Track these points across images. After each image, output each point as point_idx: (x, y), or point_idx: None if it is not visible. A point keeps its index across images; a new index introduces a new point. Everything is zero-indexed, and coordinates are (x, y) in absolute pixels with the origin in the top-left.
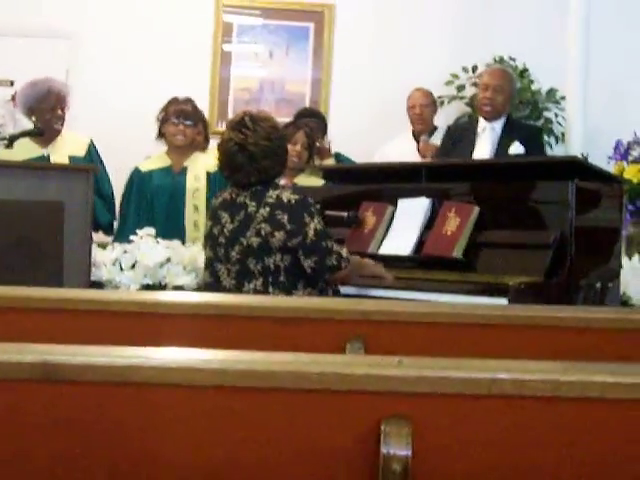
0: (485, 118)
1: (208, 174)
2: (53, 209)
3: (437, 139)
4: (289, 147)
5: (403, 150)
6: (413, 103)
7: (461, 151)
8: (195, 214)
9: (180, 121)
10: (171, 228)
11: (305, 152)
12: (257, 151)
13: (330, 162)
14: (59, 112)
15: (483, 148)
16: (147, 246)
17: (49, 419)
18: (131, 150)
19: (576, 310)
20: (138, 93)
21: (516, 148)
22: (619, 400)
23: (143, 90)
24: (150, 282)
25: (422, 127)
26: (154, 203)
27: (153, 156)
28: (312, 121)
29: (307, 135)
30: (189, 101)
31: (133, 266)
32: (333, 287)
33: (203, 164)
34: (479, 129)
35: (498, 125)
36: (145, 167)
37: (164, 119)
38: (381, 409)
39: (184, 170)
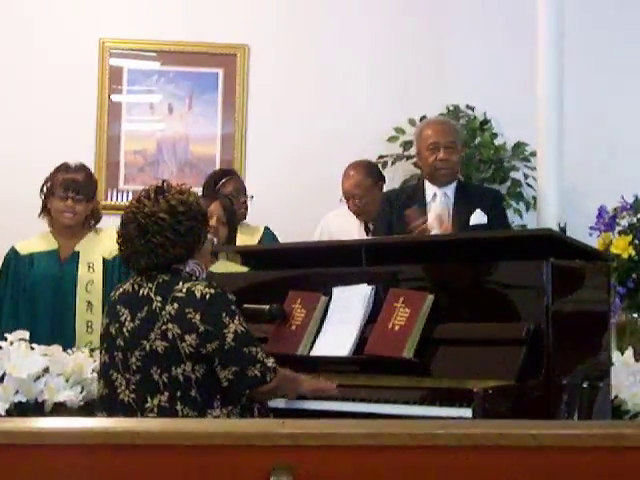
0: (437, 184)
1: (105, 261)
2: None
3: None
4: None
5: (350, 223)
6: (349, 190)
7: (407, 225)
8: (88, 313)
9: (69, 195)
10: (57, 330)
11: (223, 228)
12: (149, 224)
13: (252, 237)
14: None
15: (434, 221)
16: (19, 354)
17: None
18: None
19: (557, 425)
20: (6, 156)
21: (479, 218)
22: None
23: (13, 152)
24: (24, 399)
25: (366, 217)
26: (36, 297)
27: (35, 236)
28: (232, 180)
29: (224, 207)
30: (82, 169)
31: (1, 379)
32: (259, 404)
33: (98, 248)
34: (427, 196)
35: (450, 190)
36: (25, 249)
37: (49, 191)
38: None
39: (74, 256)
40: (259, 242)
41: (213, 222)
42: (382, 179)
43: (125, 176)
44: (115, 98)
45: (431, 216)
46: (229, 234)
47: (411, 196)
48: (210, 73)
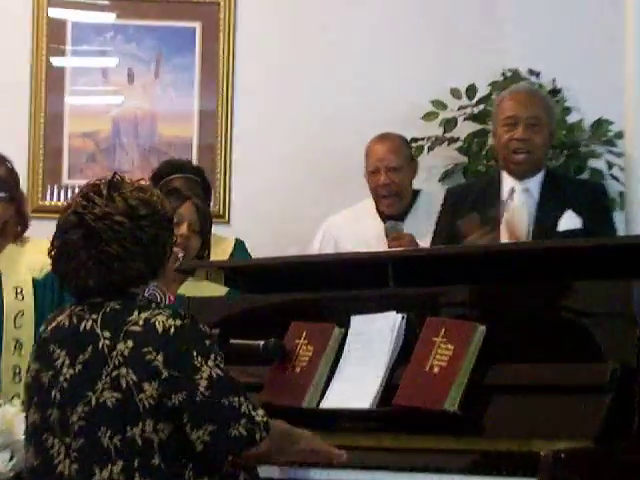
0: (515, 175)
1: (34, 282)
2: None
3: (421, 218)
4: None
5: (368, 230)
6: (375, 165)
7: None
8: (16, 355)
9: None
10: None
11: (195, 238)
12: (102, 228)
13: (222, 251)
14: None
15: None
16: None
17: None
18: None
19: None
20: None
21: (570, 222)
22: None
23: None
24: None
25: (392, 207)
26: None
27: None
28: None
29: (199, 210)
30: (2, 161)
31: None
32: (247, 473)
33: (25, 265)
34: (504, 192)
35: (534, 184)
36: None
37: None
38: None
39: None
40: (229, 258)
41: (183, 230)
42: (415, 163)
43: (70, 167)
44: (56, 62)
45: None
46: (202, 246)
47: (482, 193)
48: (184, 28)
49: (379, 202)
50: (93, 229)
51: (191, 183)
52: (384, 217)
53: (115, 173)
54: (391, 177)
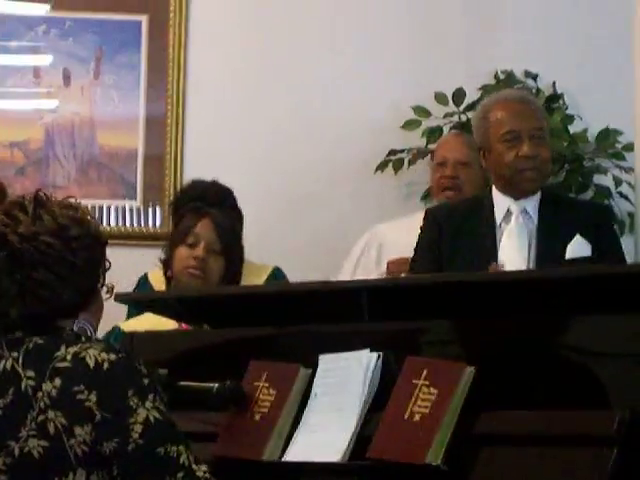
0: (518, 195)
1: None
2: None
3: None
4: (182, 251)
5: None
6: (443, 156)
7: (470, 260)
8: None
9: None
10: None
11: (216, 259)
12: (28, 249)
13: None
14: None
15: (511, 251)
16: None
17: None
18: None
19: None
20: None
21: (580, 248)
22: None
23: None
24: None
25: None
26: None
27: None
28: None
29: (218, 227)
30: None
31: None
32: None
33: None
34: (497, 215)
35: (532, 205)
36: None
37: None
38: None
39: None
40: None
41: (199, 252)
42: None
43: None
44: None
45: (505, 247)
46: (227, 270)
47: (471, 215)
48: (129, 22)
49: (438, 196)
50: (17, 251)
51: (215, 196)
52: None
53: (39, 189)
54: (458, 170)
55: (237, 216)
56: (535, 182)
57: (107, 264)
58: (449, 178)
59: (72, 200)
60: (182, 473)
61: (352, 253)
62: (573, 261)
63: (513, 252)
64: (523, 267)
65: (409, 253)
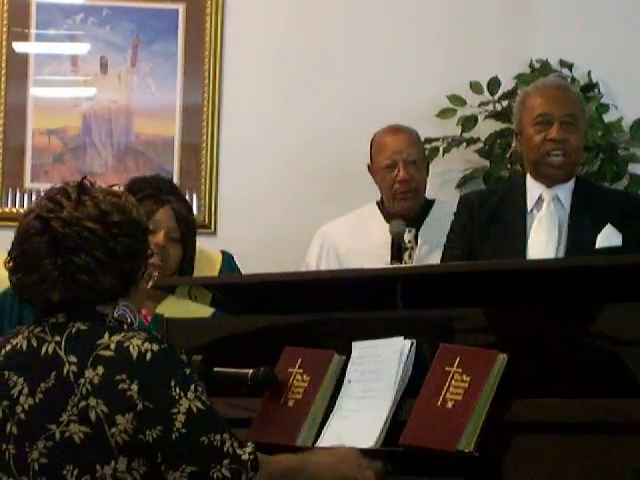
0: (546, 181)
1: None
2: None
3: (435, 230)
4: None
5: (374, 239)
6: (392, 159)
7: (500, 246)
8: None
9: None
10: None
11: (175, 248)
12: (70, 234)
13: (210, 267)
14: None
15: (542, 238)
16: None
17: None
18: None
19: None
20: None
21: (610, 238)
22: None
23: None
24: None
25: (409, 206)
26: None
27: None
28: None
29: (178, 215)
30: None
31: None
32: None
33: None
34: (529, 201)
35: (565, 192)
36: None
37: None
38: None
39: None
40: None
41: (160, 239)
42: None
43: (33, 169)
44: (18, 48)
45: (535, 234)
46: (184, 258)
47: (504, 202)
48: (165, 10)
49: (394, 201)
50: (60, 235)
51: (169, 186)
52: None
53: (84, 176)
54: (410, 172)
55: (189, 207)
56: (561, 167)
57: (149, 252)
58: (403, 181)
59: (116, 188)
60: (227, 460)
61: (308, 259)
62: (604, 250)
63: (543, 239)
64: (552, 254)
65: (369, 254)
